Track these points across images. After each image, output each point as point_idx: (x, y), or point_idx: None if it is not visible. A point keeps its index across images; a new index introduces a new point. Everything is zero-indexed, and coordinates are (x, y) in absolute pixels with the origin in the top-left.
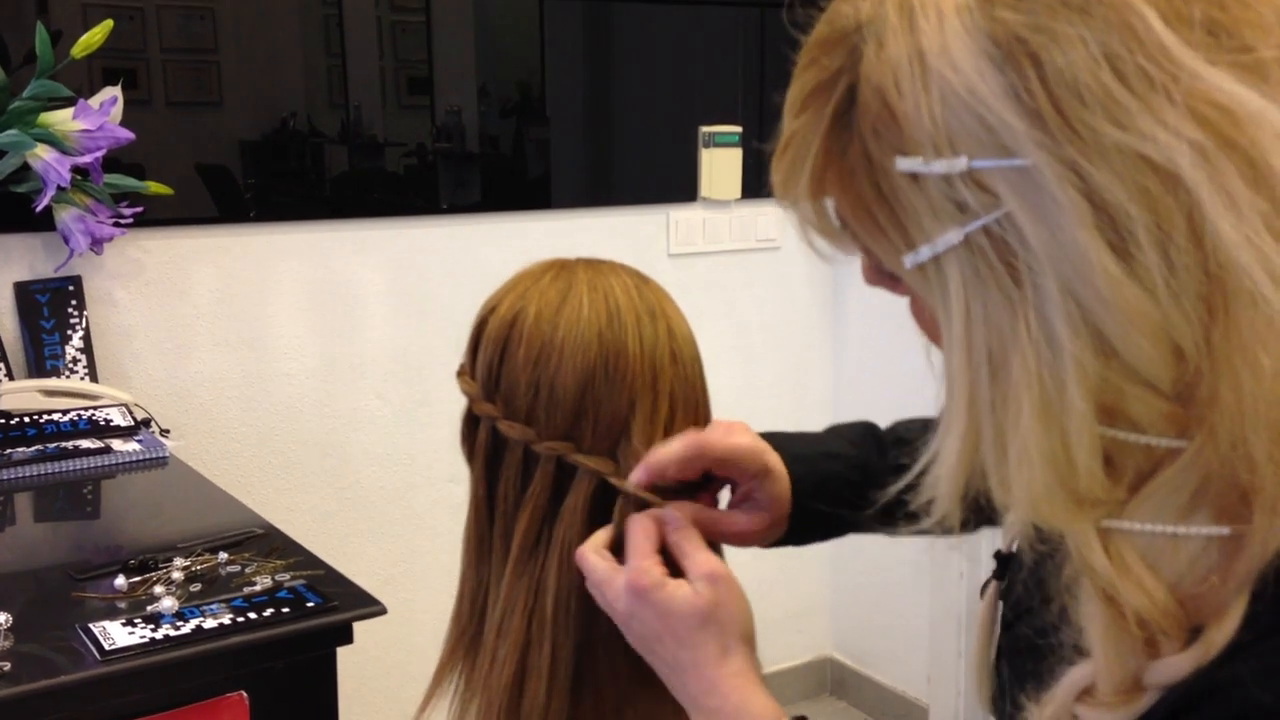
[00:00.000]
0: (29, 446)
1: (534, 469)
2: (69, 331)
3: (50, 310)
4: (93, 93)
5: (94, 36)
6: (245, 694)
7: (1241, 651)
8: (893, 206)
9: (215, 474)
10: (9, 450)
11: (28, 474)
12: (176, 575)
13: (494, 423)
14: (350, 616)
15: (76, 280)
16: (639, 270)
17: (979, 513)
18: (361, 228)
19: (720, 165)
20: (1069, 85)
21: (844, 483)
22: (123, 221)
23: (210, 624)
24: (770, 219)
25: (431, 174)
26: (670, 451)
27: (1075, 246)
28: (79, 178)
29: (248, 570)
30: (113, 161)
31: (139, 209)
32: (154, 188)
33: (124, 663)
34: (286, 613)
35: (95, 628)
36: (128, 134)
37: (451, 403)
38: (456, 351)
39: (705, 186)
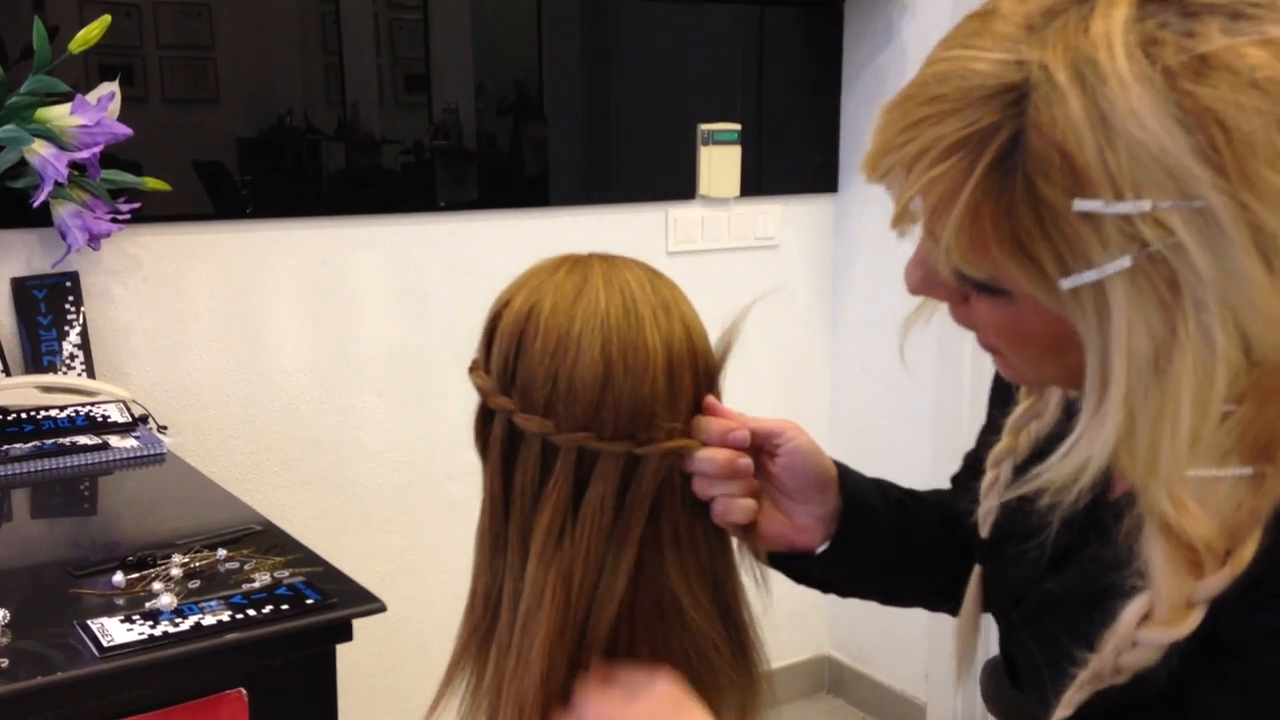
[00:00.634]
0: (26, 443)
1: (554, 461)
2: (66, 327)
3: (47, 306)
4: (90, 88)
5: (91, 32)
6: (244, 691)
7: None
8: (1053, 238)
9: (213, 470)
10: (6, 446)
11: (25, 470)
12: (175, 572)
13: (510, 416)
14: (349, 613)
15: (74, 276)
16: (651, 265)
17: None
18: (359, 225)
19: (719, 163)
20: (1249, 145)
21: (883, 515)
22: (120, 217)
23: (209, 621)
24: (769, 217)
25: (429, 171)
26: (762, 421)
27: (1239, 267)
28: (76, 173)
29: (246, 567)
30: (109, 157)
31: (136, 205)
32: (151, 184)
33: (122, 660)
34: (285, 610)
35: (93, 624)
36: (125, 130)
37: (449, 399)
38: (454, 348)
39: (704, 184)
